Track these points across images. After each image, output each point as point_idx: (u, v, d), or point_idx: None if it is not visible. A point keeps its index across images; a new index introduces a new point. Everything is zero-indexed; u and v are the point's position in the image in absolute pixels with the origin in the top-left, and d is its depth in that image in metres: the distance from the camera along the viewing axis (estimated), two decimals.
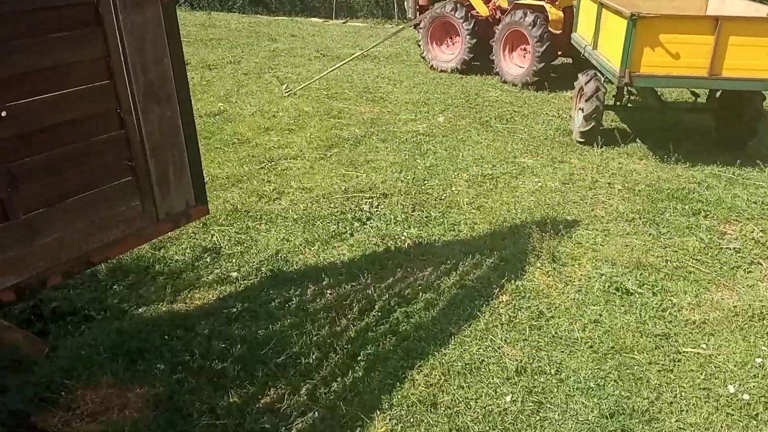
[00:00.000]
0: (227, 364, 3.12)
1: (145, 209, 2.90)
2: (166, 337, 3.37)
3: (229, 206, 4.88)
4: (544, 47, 8.10)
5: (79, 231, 2.59)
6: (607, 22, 5.84)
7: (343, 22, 14.93)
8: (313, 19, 15.42)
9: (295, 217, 4.72)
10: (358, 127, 6.94)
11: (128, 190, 2.73)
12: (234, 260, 4.13)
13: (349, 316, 3.50)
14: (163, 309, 3.63)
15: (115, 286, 3.80)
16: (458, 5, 8.98)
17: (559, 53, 8.78)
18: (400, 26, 10.69)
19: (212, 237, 4.42)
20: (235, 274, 3.98)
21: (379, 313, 3.54)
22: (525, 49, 8.59)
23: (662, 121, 6.91)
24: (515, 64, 8.77)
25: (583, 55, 6.79)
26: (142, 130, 2.80)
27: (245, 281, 3.89)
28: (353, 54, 10.74)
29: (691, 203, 4.85)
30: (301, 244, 4.31)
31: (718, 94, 6.20)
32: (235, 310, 3.55)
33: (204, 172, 5.51)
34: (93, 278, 3.85)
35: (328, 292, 3.72)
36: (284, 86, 8.29)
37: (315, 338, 3.31)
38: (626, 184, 5.24)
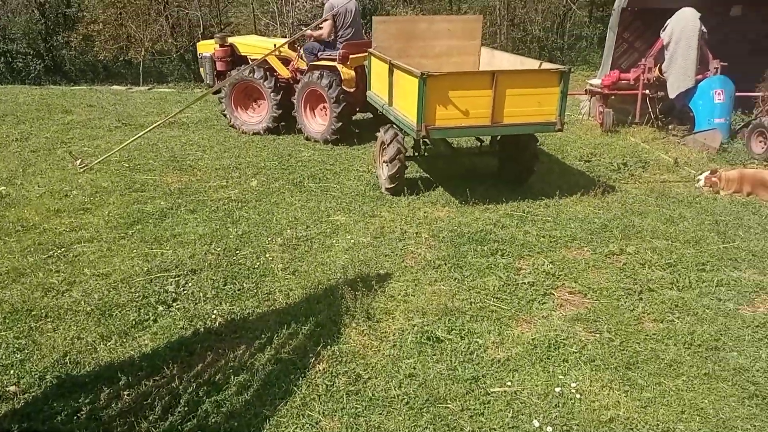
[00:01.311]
0: None
1: None
2: None
3: (8, 307, 4.26)
4: (341, 107, 8.45)
5: None
6: (400, 81, 6.20)
7: (149, 89, 14.33)
8: (115, 87, 14.63)
9: (89, 309, 4.23)
10: (164, 200, 6.56)
11: None
12: (12, 371, 3.57)
13: (151, 418, 3.15)
14: None
15: None
16: (266, 72, 9.07)
17: (357, 109, 9.22)
18: (204, 92, 10.50)
19: None
20: (12, 388, 3.43)
21: (186, 408, 3.23)
22: (325, 108, 8.88)
23: (457, 166, 7.44)
24: (317, 122, 9.02)
25: (380, 112, 7.13)
26: None
27: (25, 395, 3.36)
28: (156, 121, 10.28)
29: (489, 244, 5.19)
30: (94, 341, 3.85)
31: (498, 138, 6.84)
32: None
33: None
34: None
35: (126, 393, 3.33)
36: (78, 161, 7.61)
37: None
38: (432, 232, 5.48)
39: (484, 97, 5.74)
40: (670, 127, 9.16)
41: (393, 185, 6.43)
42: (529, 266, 4.85)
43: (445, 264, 4.84)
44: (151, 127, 8.24)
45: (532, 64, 6.67)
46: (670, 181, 7.06)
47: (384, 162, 6.63)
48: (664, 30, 8.41)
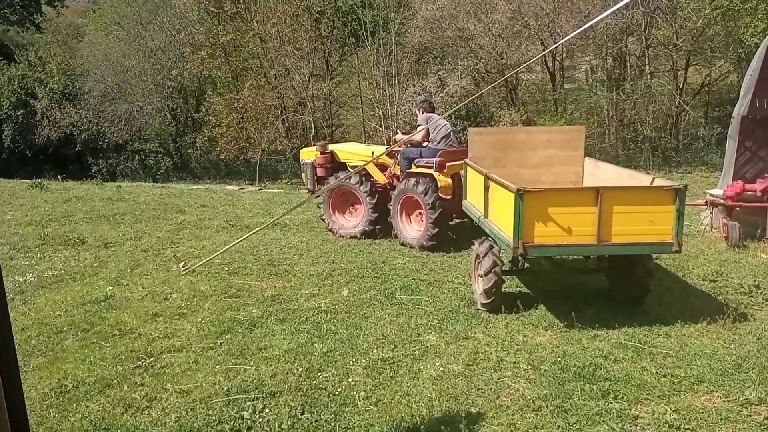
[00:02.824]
0: None
1: None
2: None
3: (87, 423, 4.20)
4: (437, 213, 8.27)
5: None
6: (496, 194, 5.92)
7: (259, 189, 15.05)
8: (228, 187, 15.53)
9: None
10: (256, 307, 6.51)
11: None
12: None
13: None
14: None
15: None
16: (362, 177, 9.18)
17: (454, 216, 8.99)
18: (304, 199, 10.81)
19: None
20: None
21: None
22: (420, 214, 8.75)
23: (561, 283, 6.85)
24: (413, 228, 8.87)
25: (476, 223, 6.84)
26: None
27: None
28: (262, 223, 10.61)
29: (599, 382, 4.55)
30: None
31: (607, 255, 6.24)
32: None
33: (69, 376, 4.91)
34: None
35: None
36: (182, 264, 7.83)
37: None
38: (532, 363, 4.92)
39: (588, 214, 5.29)
40: None
41: (489, 301, 5.99)
42: (648, 414, 4.15)
43: (547, 405, 4.26)
44: (253, 231, 8.43)
45: (642, 178, 6.16)
46: None
47: (479, 275, 6.25)
48: None
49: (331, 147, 10.06)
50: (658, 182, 5.68)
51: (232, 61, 24.52)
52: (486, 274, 5.92)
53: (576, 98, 23.02)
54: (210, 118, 23.82)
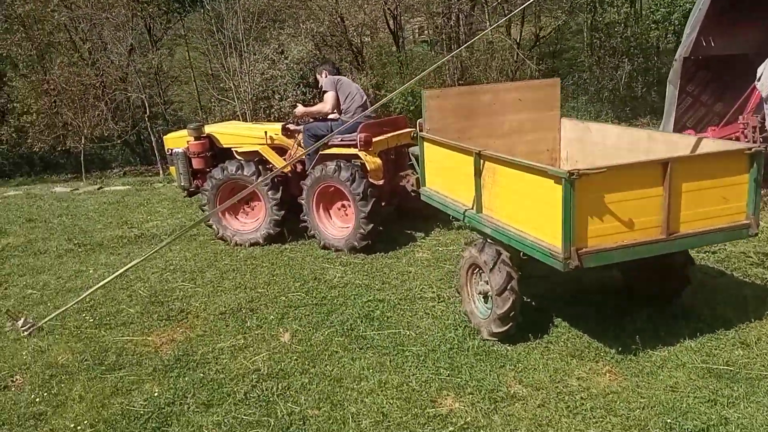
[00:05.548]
0: None
1: None
2: None
3: None
4: (370, 204, 6.47)
5: None
6: (505, 182, 4.21)
7: (99, 188, 11.91)
8: (57, 189, 12.09)
9: None
10: (157, 383, 4.30)
11: None
12: None
13: None
14: None
15: None
16: (258, 167, 7.04)
17: (383, 204, 7.15)
18: (195, 221, 8.44)
19: None
20: None
21: None
22: (344, 206, 6.87)
23: (557, 284, 5.38)
24: (335, 226, 6.97)
25: (454, 219, 5.15)
26: None
27: None
28: (121, 237, 8.05)
29: None
30: None
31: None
32: None
33: None
34: None
35: None
36: (20, 321, 5.18)
37: None
38: (631, 428, 3.37)
39: (654, 197, 3.82)
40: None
41: (505, 328, 4.35)
42: None
43: None
44: (130, 265, 5.90)
45: (675, 140, 4.80)
46: None
47: (480, 293, 4.59)
48: (758, 80, 6.84)
49: (207, 130, 7.67)
50: (708, 144, 4.34)
51: (35, 36, 20.13)
52: (500, 293, 4.25)
53: (422, 58, 22.16)
54: (15, 105, 19.62)
